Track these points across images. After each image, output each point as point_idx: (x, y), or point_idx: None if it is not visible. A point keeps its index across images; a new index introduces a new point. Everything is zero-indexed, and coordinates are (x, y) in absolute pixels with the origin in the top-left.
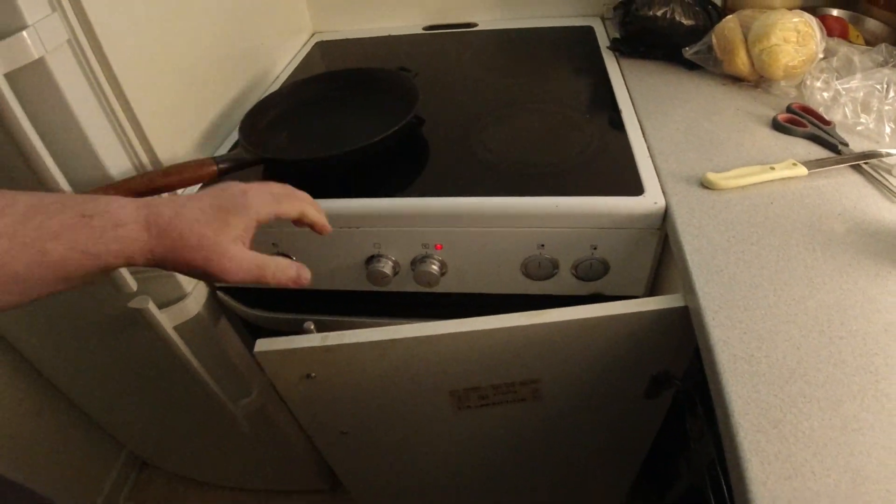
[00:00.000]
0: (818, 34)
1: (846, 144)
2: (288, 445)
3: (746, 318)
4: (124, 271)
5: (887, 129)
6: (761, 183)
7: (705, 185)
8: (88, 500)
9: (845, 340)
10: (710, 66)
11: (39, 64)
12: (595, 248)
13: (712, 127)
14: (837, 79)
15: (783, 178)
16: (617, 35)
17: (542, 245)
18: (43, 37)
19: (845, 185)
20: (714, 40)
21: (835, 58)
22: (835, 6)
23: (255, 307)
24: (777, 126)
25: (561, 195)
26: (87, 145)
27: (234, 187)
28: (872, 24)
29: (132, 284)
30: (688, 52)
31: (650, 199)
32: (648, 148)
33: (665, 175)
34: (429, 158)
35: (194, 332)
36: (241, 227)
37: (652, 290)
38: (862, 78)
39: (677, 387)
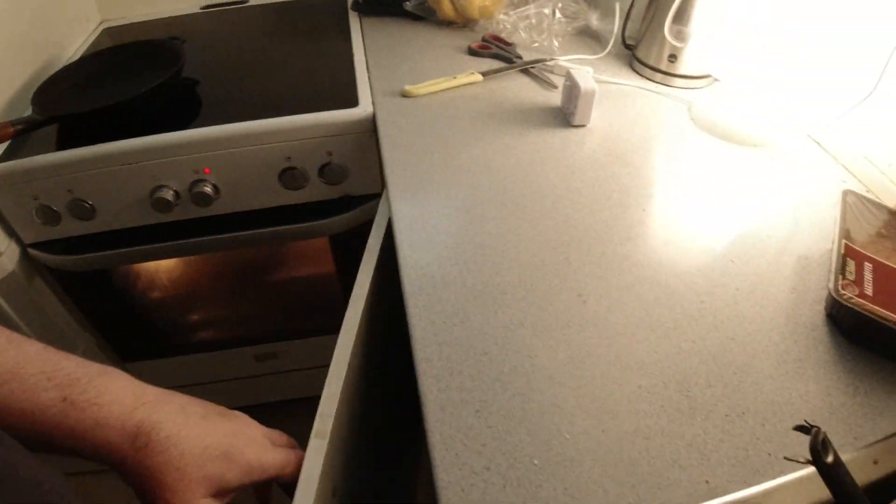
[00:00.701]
0: None
1: (520, 57)
2: None
3: (417, 170)
4: None
5: (556, 44)
6: (447, 89)
7: (404, 94)
8: None
9: (490, 173)
10: (428, 16)
11: None
12: (331, 154)
13: (423, 58)
14: (515, 11)
15: (463, 84)
16: None
17: (289, 157)
18: None
19: (513, 84)
20: None
21: None
22: None
23: (62, 254)
24: (471, 52)
25: (295, 114)
26: None
27: (253, 428)
28: None
29: None
30: (408, 5)
31: (362, 109)
32: (369, 76)
33: (377, 91)
34: (201, 107)
35: (10, 289)
36: (231, 485)
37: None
38: (535, 7)
39: None
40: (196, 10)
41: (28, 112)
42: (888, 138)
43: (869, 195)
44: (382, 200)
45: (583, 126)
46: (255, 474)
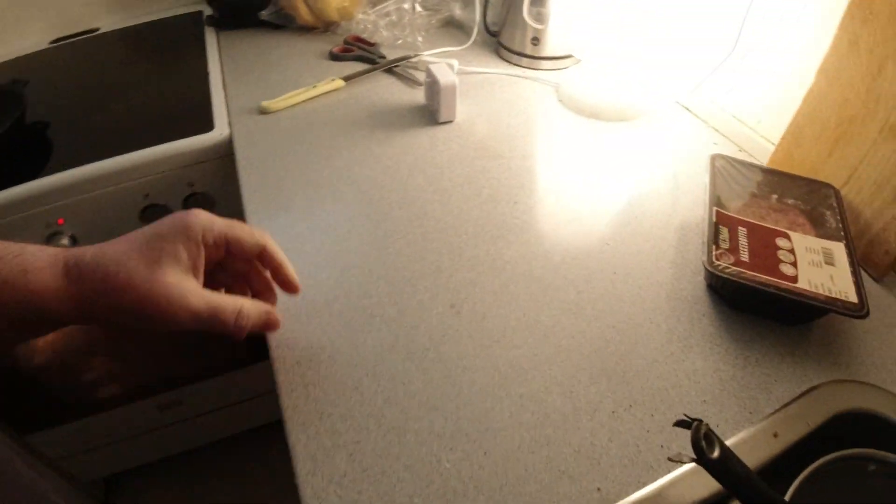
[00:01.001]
0: None
1: (384, 57)
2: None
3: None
4: None
5: (419, 39)
6: (307, 100)
7: (262, 111)
8: None
9: (355, 186)
10: (286, 24)
11: None
12: (193, 185)
13: (283, 69)
14: (374, 9)
15: (325, 93)
16: (211, 13)
17: (147, 194)
18: None
19: (378, 87)
20: (280, 1)
21: None
22: None
23: None
24: (333, 56)
25: (148, 147)
26: None
27: (174, 213)
28: None
29: None
30: (263, 15)
31: (218, 132)
32: (226, 96)
33: (234, 111)
34: (52, 152)
35: None
36: (185, 253)
37: None
38: (395, 3)
39: None
40: (45, 45)
41: None
42: (752, 95)
43: (741, 154)
44: None
45: (450, 122)
46: (207, 232)
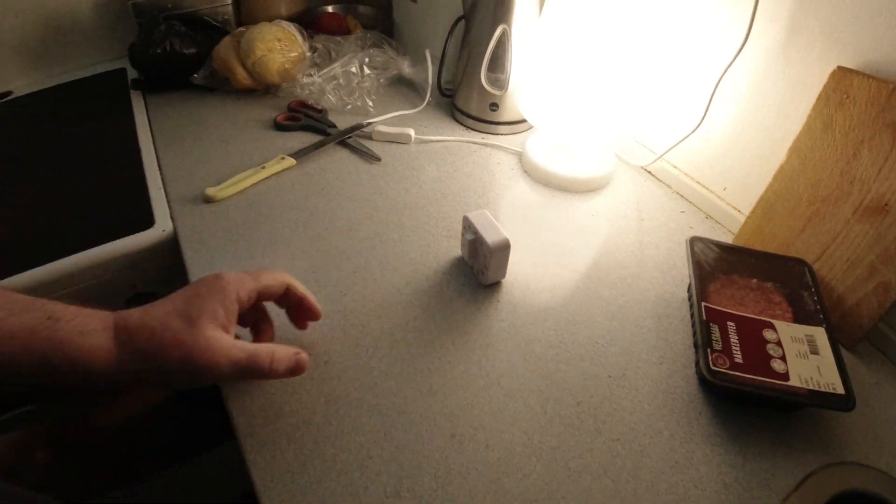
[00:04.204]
0: (299, 37)
1: (334, 126)
2: None
3: None
4: None
5: (370, 103)
6: (256, 183)
7: (206, 199)
8: None
9: (315, 286)
10: (221, 86)
11: None
12: (136, 286)
13: (223, 142)
14: (321, 72)
15: (275, 173)
16: (137, 76)
17: (87, 301)
18: None
19: (331, 163)
20: (214, 63)
21: (315, 53)
22: (332, 3)
23: None
24: (278, 126)
25: (74, 252)
26: None
27: (206, 276)
28: (363, 9)
29: None
30: (196, 78)
31: (159, 229)
32: (162, 179)
33: (175, 200)
34: None
35: None
36: (221, 311)
37: None
38: (341, 65)
39: None
40: None
41: None
42: (717, 164)
43: (708, 222)
44: None
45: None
46: (241, 290)
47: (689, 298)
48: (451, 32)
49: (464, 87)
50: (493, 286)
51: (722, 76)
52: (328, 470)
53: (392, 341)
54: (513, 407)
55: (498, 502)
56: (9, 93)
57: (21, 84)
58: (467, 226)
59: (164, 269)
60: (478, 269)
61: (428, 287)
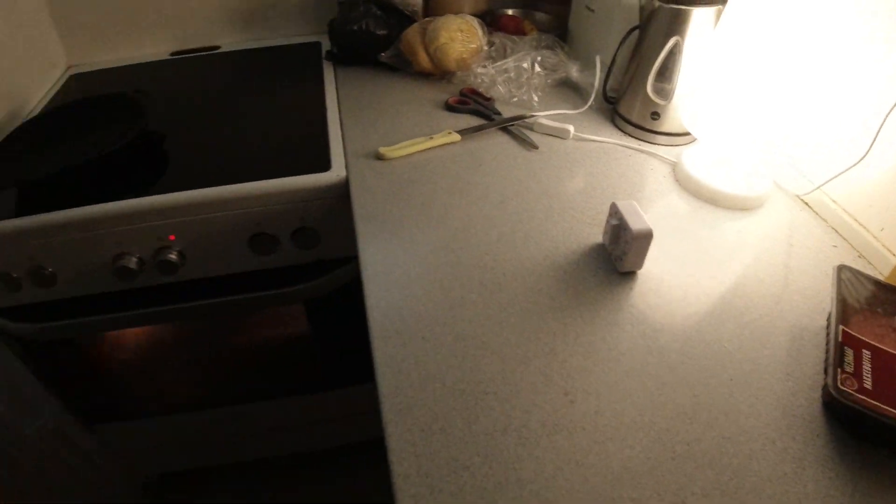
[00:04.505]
0: (480, 31)
1: (499, 114)
2: (91, 463)
3: (392, 243)
4: None
5: (535, 98)
6: (423, 150)
7: (378, 157)
8: None
9: (470, 249)
10: (404, 67)
11: None
12: (303, 219)
13: (398, 114)
14: (494, 64)
15: (441, 145)
16: (330, 48)
17: (259, 223)
18: None
19: (492, 144)
20: (401, 45)
21: (492, 48)
22: (513, 6)
23: (24, 321)
24: (448, 107)
25: (265, 179)
26: None
27: None
28: (540, 16)
29: None
30: (383, 56)
31: (335, 173)
32: (342, 134)
33: (351, 153)
34: (168, 165)
35: None
36: None
37: None
38: (514, 61)
39: None
40: (166, 56)
41: None
42: (878, 202)
43: (860, 261)
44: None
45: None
46: None
47: (828, 326)
48: (623, 41)
49: (629, 93)
50: (628, 275)
51: (892, 110)
52: (446, 394)
53: (525, 301)
54: (629, 384)
55: (598, 461)
56: (217, 47)
57: (228, 41)
58: (614, 212)
59: (329, 211)
60: (616, 255)
61: (565, 263)
